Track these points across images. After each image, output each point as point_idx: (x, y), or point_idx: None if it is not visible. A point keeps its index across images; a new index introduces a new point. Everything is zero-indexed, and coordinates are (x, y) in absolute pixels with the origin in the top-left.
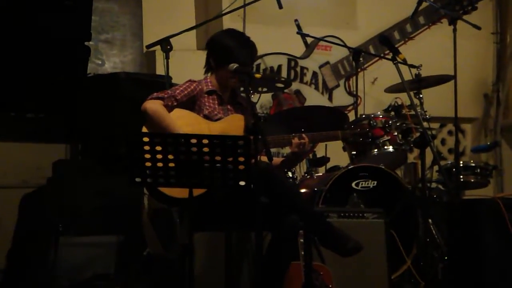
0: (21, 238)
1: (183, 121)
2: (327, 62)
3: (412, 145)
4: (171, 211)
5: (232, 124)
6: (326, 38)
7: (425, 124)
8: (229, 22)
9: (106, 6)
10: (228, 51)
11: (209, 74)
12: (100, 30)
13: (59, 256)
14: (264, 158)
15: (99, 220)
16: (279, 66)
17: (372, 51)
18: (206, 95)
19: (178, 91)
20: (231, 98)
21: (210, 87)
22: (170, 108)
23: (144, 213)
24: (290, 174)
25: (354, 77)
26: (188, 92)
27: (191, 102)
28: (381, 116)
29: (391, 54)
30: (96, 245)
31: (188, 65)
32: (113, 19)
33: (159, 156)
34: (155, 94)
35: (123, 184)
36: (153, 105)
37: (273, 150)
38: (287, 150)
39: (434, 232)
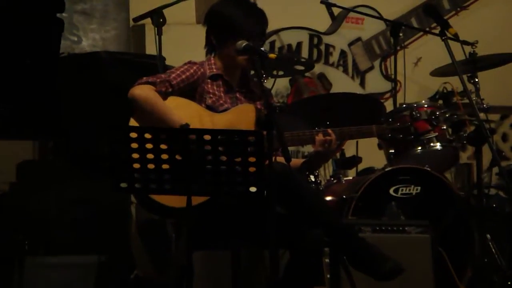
0: None
1: (180, 112)
2: (359, 39)
3: (465, 142)
4: (165, 223)
5: (241, 116)
6: (357, 9)
7: (481, 115)
8: None
9: None
10: (231, 23)
11: (212, 55)
12: None
13: (25, 281)
14: (280, 159)
15: (75, 236)
16: (299, 44)
17: (415, 24)
18: (209, 80)
19: (174, 75)
20: (241, 84)
21: (215, 70)
22: (164, 96)
23: (132, 227)
24: (313, 178)
25: (392, 57)
26: (187, 77)
27: (190, 90)
28: (426, 106)
29: (439, 28)
30: (71, 266)
31: (185, 43)
32: None
33: (150, 156)
34: (144, 78)
35: (106, 191)
36: (143, 91)
37: (291, 148)
38: (308, 148)
39: (493, 250)
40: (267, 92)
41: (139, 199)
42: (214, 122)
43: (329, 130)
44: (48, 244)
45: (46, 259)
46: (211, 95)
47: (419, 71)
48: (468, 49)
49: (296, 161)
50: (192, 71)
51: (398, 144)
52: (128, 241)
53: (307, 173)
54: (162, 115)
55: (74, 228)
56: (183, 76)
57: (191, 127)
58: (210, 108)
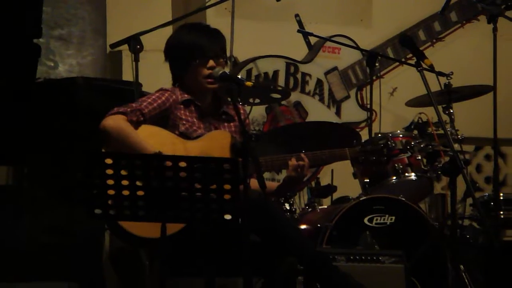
0: None
1: (153, 141)
2: (335, 68)
3: (439, 172)
4: (139, 251)
5: (215, 142)
6: (333, 38)
7: (456, 146)
8: (214, 17)
9: None
10: (190, 47)
11: (177, 85)
12: (53, 24)
13: None
14: (255, 185)
15: (47, 262)
16: (276, 72)
17: (391, 55)
18: (182, 106)
19: (145, 104)
20: (214, 107)
21: (186, 96)
22: (136, 125)
23: (104, 254)
24: (287, 206)
25: (368, 87)
26: (158, 105)
27: (163, 117)
28: (401, 136)
29: (414, 58)
30: None
31: (162, 70)
32: (70, 11)
33: (124, 183)
34: (115, 108)
35: (79, 217)
36: (114, 122)
37: (266, 175)
38: (284, 176)
39: (467, 281)
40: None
41: (112, 228)
42: (188, 149)
43: (302, 155)
44: (18, 270)
45: (16, 286)
46: (184, 122)
47: (395, 101)
48: (443, 80)
49: (270, 185)
50: (164, 98)
51: (373, 173)
52: (100, 268)
53: (282, 200)
54: (134, 145)
55: (45, 254)
56: (155, 104)
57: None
58: (184, 134)
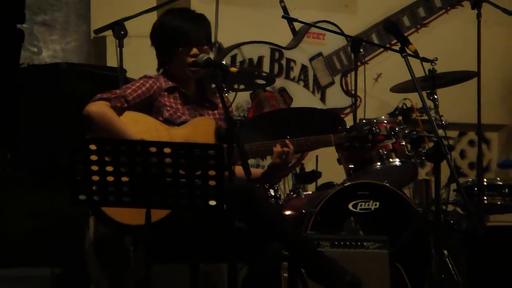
0: None
1: (136, 127)
2: (320, 54)
3: (424, 158)
4: (123, 237)
5: (199, 129)
6: (318, 24)
7: (440, 132)
8: (199, 3)
9: None
10: (176, 33)
11: (161, 72)
12: (37, 9)
13: None
14: (239, 172)
15: (30, 248)
16: (260, 58)
17: (375, 40)
18: (166, 93)
19: (129, 91)
20: (198, 94)
21: (170, 83)
22: (119, 111)
23: (88, 240)
24: (272, 192)
25: (353, 73)
26: (143, 92)
27: (147, 104)
28: (385, 122)
29: (399, 44)
30: (25, 279)
31: (147, 55)
32: None
33: (109, 168)
34: (98, 95)
35: (63, 203)
36: (97, 108)
37: (251, 161)
38: (269, 162)
39: (450, 266)
40: (228, 105)
41: (96, 214)
42: (172, 135)
43: (287, 141)
44: (2, 256)
45: None
46: (168, 108)
47: (379, 87)
48: (427, 66)
49: (255, 172)
50: (148, 85)
51: (358, 159)
52: (83, 254)
53: (267, 186)
54: (117, 131)
55: (28, 240)
56: (139, 91)
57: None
58: (168, 121)
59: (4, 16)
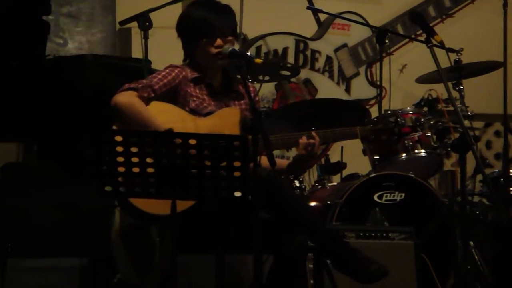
0: None
1: (163, 117)
2: (345, 45)
3: (449, 149)
4: (149, 227)
5: (225, 120)
6: (343, 15)
7: (466, 122)
8: None
9: None
10: (201, 24)
11: (187, 61)
12: (62, 1)
13: (7, 283)
14: (265, 163)
15: (58, 239)
16: (285, 49)
17: (401, 31)
18: (191, 83)
19: (155, 80)
20: (224, 84)
21: (196, 73)
22: (146, 101)
23: (114, 230)
24: (297, 183)
25: (378, 64)
26: (169, 81)
27: (173, 94)
28: (411, 113)
29: (424, 35)
30: (54, 269)
31: (171, 47)
32: None
33: (135, 160)
34: (126, 85)
35: (90, 194)
36: (125, 98)
37: (276, 153)
38: (294, 153)
39: (476, 257)
40: (254, 95)
41: (122, 205)
42: (198, 126)
43: (313, 133)
44: (31, 246)
45: (28, 261)
46: (195, 98)
47: (405, 77)
48: (453, 56)
49: (280, 163)
50: (173, 74)
51: (383, 149)
52: (110, 244)
53: (292, 177)
54: (145, 121)
55: (57, 231)
56: (165, 81)
57: (174, 131)
58: (194, 111)
59: (30, 8)
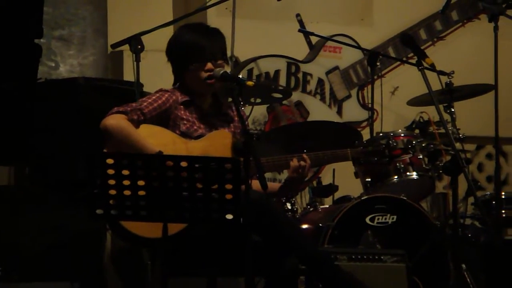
0: None
1: (154, 140)
2: (336, 67)
3: (441, 171)
4: (141, 251)
5: (216, 142)
6: (335, 38)
7: (457, 145)
8: (215, 17)
9: None
10: (191, 48)
11: (177, 85)
12: (54, 25)
13: None
14: (256, 185)
15: (49, 263)
16: (277, 72)
17: (392, 54)
18: (182, 106)
19: (145, 104)
20: (214, 107)
21: (186, 97)
22: (136, 124)
23: (106, 254)
24: (289, 206)
25: (370, 86)
26: (159, 105)
27: (163, 118)
28: (402, 135)
29: (415, 57)
30: None
31: (163, 70)
32: (71, 11)
33: (126, 182)
34: (115, 108)
35: (81, 218)
36: (115, 121)
37: (268, 175)
38: (286, 176)
39: (468, 280)
40: (244, 119)
41: (113, 228)
42: (189, 149)
43: (304, 155)
44: (22, 270)
45: (20, 285)
46: (185, 121)
47: (396, 100)
48: (444, 79)
49: (272, 186)
50: (164, 99)
51: (375, 172)
52: (102, 268)
53: (284, 199)
54: (135, 144)
55: (48, 254)
56: (155, 105)
57: (165, 154)
58: (184, 134)
59: (22, 31)
